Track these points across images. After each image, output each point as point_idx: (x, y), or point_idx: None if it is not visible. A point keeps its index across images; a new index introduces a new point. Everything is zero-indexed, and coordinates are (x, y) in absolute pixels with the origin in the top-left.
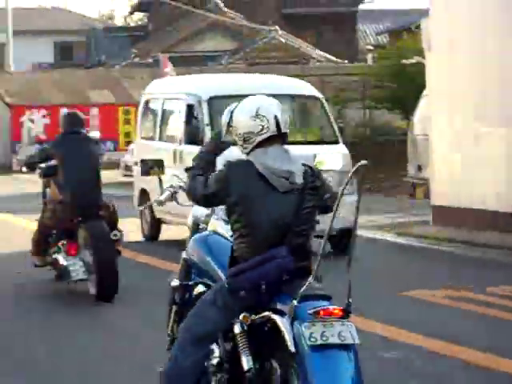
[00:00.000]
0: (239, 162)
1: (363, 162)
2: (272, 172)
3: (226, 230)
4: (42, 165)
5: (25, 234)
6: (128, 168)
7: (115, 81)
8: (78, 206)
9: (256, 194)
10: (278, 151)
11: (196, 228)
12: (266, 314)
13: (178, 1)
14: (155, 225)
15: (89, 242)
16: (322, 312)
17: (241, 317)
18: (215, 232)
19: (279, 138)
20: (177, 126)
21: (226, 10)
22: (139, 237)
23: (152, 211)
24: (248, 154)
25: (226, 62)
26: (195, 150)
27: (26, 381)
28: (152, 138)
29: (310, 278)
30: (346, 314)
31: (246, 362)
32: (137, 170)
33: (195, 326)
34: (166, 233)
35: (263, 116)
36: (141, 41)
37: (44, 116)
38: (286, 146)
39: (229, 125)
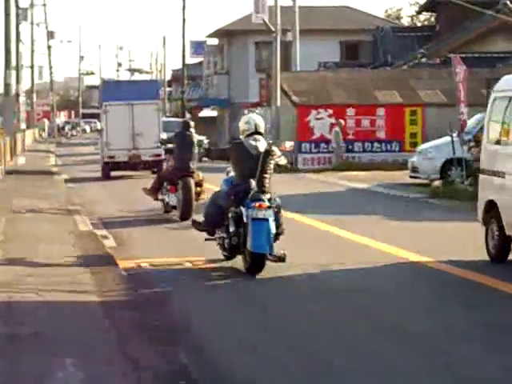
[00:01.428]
0: (236, 142)
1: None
2: (250, 146)
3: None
4: (170, 145)
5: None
6: (415, 170)
7: (402, 81)
8: (181, 169)
9: (242, 155)
10: (254, 138)
11: (227, 174)
12: (240, 207)
13: (466, 1)
14: (503, 243)
15: (182, 187)
16: (257, 204)
17: (231, 208)
18: (231, 176)
19: (257, 133)
20: None
21: None
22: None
23: (501, 227)
24: (244, 138)
25: None
26: None
27: None
28: (503, 142)
29: (253, 191)
30: (269, 207)
31: (231, 228)
32: (483, 178)
33: (215, 198)
34: None
35: (250, 123)
36: (428, 41)
37: (330, 116)
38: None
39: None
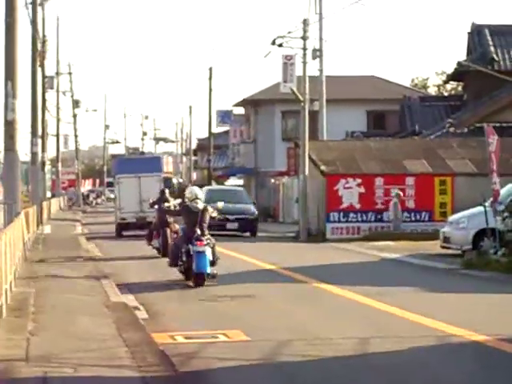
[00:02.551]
0: (185, 205)
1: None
2: (193, 207)
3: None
4: (155, 206)
5: None
6: (447, 240)
7: (431, 151)
8: (161, 222)
9: (189, 213)
10: (195, 201)
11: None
12: (189, 245)
13: (493, 70)
14: None
15: (161, 235)
16: (198, 243)
17: (184, 246)
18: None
19: (196, 198)
20: None
21: None
22: None
23: None
24: (189, 202)
25: None
26: None
27: None
28: None
29: (198, 233)
30: (206, 244)
31: (184, 258)
32: None
33: (175, 242)
34: None
35: (192, 193)
36: (456, 110)
37: (359, 185)
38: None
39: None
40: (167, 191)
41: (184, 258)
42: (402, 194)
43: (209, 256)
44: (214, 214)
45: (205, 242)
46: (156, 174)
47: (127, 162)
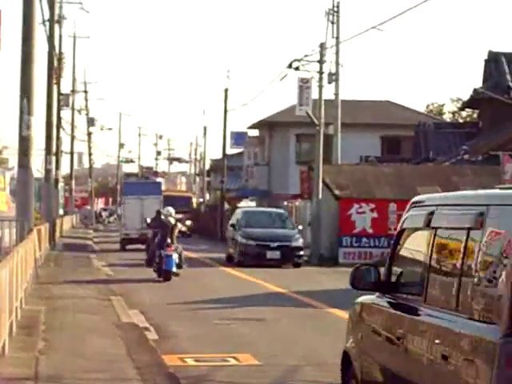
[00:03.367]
0: (160, 220)
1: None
2: (167, 221)
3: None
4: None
5: None
6: None
7: (444, 177)
8: (155, 237)
9: (162, 226)
10: (169, 217)
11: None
12: (161, 250)
13: (509, 98)
14: None
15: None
16: (168, 249)
17: (157, 251)
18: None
19: (170, 215)
20: None
21: None
22: None
23: None
24: (165, 218)
25: None
26: None
27: None
28: None
29: (168, 242)
30: (173, 250)
31: (157, 260)
32: None
33: (152, 248)
34: None
35: (168, 211)
36: (470, 138)
37: (372, 210)
38: None
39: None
40: (161, 211)
41: (157, 260)
42: None
43: (175, 259)
44: (184, 229)
45: (173, 249)
46: (156, 196)
47: (133, 185)
